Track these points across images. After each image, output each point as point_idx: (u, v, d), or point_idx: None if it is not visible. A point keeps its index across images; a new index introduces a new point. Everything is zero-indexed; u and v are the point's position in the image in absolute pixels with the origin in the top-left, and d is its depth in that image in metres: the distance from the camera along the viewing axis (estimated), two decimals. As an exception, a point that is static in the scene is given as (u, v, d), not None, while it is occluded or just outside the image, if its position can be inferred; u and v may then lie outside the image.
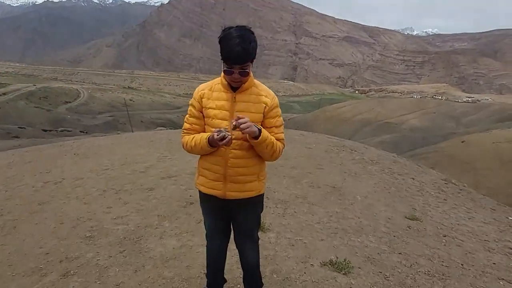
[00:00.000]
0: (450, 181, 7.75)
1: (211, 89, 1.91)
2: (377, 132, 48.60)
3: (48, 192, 4.87)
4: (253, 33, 1.78)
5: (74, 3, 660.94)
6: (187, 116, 1.98)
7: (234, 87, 1.85)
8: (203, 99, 1.90)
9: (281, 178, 5.51)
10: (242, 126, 1.70)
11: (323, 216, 3.87)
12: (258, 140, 1.77)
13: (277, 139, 1.89)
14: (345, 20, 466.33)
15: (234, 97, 1.85)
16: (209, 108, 1.88)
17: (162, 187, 4.76)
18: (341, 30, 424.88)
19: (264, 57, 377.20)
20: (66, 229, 3.29)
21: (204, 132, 1.93)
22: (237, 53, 1.68)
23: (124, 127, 51.10)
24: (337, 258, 2.78)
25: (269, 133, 1.86)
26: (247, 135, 1.75)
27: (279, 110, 1.94)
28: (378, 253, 3.02)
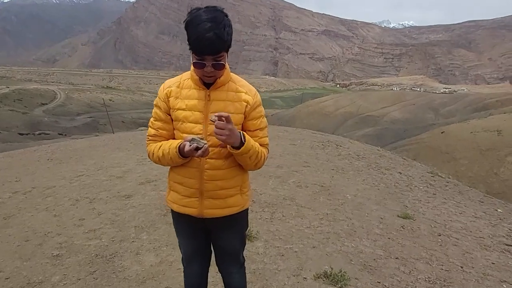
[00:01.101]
0: (436, 174, 7.72)
1: (180, 86, 1.58)
2: (359, 126, 49.02)
3: (16, 203, 4.47)
4: (227, 16, 1.44)
5: (45, 0, 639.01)
6: (151, 119, 1.64)
7: (208, 83, 1.54)
8: (170, 98, 1.57)
9: (267, 178, 5.27)
10: (219, 131, 1.39)
11: (313, 219, 3.65)
12: (241, 150, 1.47)
13: (261, 144, 1.60)
14: (323, 14, 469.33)
15: (208, 95, 1.53)
16: (177, 109, 1.55)
17: (141, 194, 4.44)
18: (320, 24, 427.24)
19: (245, 53, 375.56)
20: (31, 248, 2.95)
21: (174, 138, 1.61)
22: (209, 40, 1.35)
23: (105, 128, 49.79)
24: (331, 268, 2.56)
25: (252, 137, 1.56)
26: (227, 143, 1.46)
27: (262, 109, 1.64)
28: (374, 259, 2.82)
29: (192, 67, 1.51)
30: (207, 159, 1.54)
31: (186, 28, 1.39)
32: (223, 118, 1.38)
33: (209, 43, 1.36)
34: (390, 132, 42.22)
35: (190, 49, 1.41)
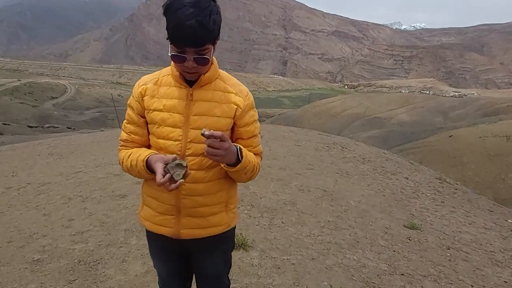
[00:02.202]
0: (444, 180, 7.45)
1: (158, 83, 1.33)
2: (366, 127, 48.61)
3: (7, 200, 4.34)
4: (214, 0, 1.20)
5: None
6: (124, 121, 1.41)
7: (190, 80, 1.29)
8: (145, 98, 1.32)
9: (268, 181, 5.07)
10: (212, 152, 1.15)
11: (313, 227, 3.45)
12: (237, 168, 1.25)
13: (255, 154, 1.38)
14: (334, 14, 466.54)
15: (191, 94, 1.29)
16: (153, 110, 1.30)
17: (136, 194, 4.27)
18: (330, 25, 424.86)
19: (254, 52, 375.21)
20: (12, 250, 2.79)
21: (149, 144, 1.38)
22: (190, 29, 1.11)
23: (112, 123, 50.12)
24: (330, 286, 2.35)
25: (246, 146, 1.34)
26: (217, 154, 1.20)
27: (255, 112, 1.40)
28: (378, 275, 2.61)
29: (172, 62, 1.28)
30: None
31: (165, 13, 1.16)
32: (217, 138, 1.14)
33: (190, 32, 1.12)
34: (397, 134, 41.79)
35: (168, 38, 1.17)
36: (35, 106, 59.89)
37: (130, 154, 1.33)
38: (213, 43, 1.22)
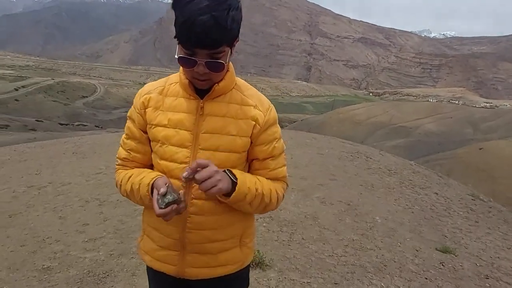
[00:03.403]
0: (477, 197, 6.99)
1: (163, 93, 1.12)
2: (390, 136, 47.47)
3: (27, 200, 4.34)
4: None
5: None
6: (123, 136, 1.19)
7: (201, 89, 1.07)
8: (147, 109, 1.11)
9: (289, 191, 4.86)
10: (206, 185, 0.94)
11: (336, 245, 3.21)
12: (231, 198, 1.02)
13: (274, 179, 1.14)
14: (360, 21, 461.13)
15: (202, 107, 1.07)
16: (156, 125, 1.09)
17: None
18: (356, 31, 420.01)
19: (278, 57, 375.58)
20: (24, 255, 2.72)
21: (151, 164, 1.16)
22: (203, 26, 0.89)
23: (137, 123, 51.38)
24: (355, 318, 2.13)
25: (261, 169, 1.12)
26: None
27: (278, 129, 1.14)
28: (408, 307, 2.36)
29: (180, 68, 1.05)
30: (193, 200, 1.08)
31: (174, 6, 0.94)
32: (200, 167, 0.94)
33: (202, 29, 0.89)
34: (423, 144, 40.59)
35: (175, 37, 0.95)
36: (67, 104, 62.27)
37: (131, 176, 1.11)
38: (231, 45, 0.99)
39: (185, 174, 0.94)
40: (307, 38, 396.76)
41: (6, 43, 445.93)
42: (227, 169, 1.03)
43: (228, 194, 1.02)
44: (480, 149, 29.15)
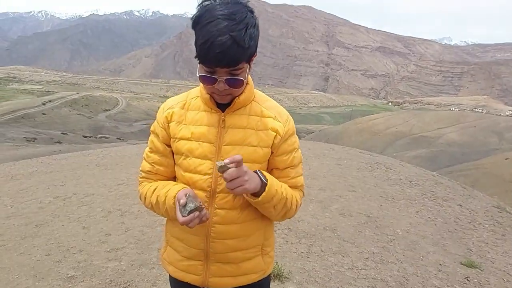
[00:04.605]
0: (504, 209, 6.73)
1: (185, 107, 1.17)
2: (411, 146, 46.41)
3: (52, 210, 4.49)
4: (252, 12, 1.02)
5: (117, 16, 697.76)
6: (147, 150, 1.24)
7: (221, 103, 1.13)
8: (171, 124, 1.16)
9: (307, 202, 4.84)
10: (233, 184, 0.98)
11: (356, 258, 3.17)
12: (260, 198, 1.05)
13: (292, 187, 1.18)
14: (379, 30, 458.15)
15: (223, 120, 1.12)
16: (180, 138, 1.14)
17: (173, 210, 4.24)
18: (375, 41, 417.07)
19: (296, 68, 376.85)
20: (49, 264, 2.81)
21: (175, 177, 1.21)
22: (222, 46, 0.94)
23: (158, 135, 52.50)
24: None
25: (281, 177, 1.16)
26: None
27: (296, 139, 1.20)
28: (432, 323, 2.29)
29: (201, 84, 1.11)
30: (216, 210, 1.13)
31: (194, 26, 0.99)
32: (233, 162, 0.97)
33: (221, 50, 0.94)
34: (446, 155, 39.43)
35: (196, 56, 1.01)
36: (90, 118, 64.42)
37: (155, 189, 1.15)
38: (249, 61, 1.05)
39: (221, 163, 0.96)
40: (325, 48, 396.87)
41: (37, 59, 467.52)
42: (258, 170, 1.07)
43: (256, 194, 1.05)
44: (506, 159, 28.10)
